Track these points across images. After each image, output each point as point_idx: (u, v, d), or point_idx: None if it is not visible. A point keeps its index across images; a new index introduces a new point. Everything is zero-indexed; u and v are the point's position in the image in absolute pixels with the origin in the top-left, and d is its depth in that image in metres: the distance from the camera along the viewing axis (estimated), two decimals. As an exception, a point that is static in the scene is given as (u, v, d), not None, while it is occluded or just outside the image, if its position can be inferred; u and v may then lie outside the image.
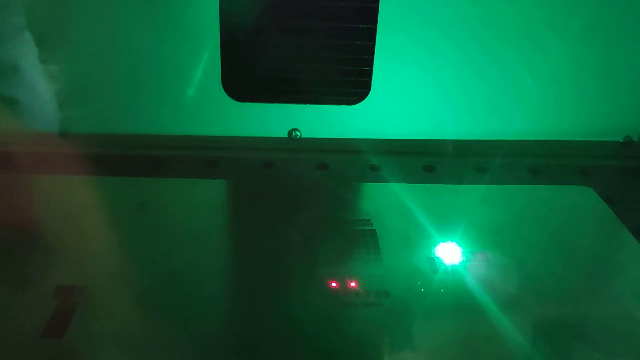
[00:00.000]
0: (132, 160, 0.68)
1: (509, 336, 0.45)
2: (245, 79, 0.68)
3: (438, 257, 0.53)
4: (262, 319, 0.46)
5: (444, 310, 0.47)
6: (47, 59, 0.65)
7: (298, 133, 0.71)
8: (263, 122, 0.70)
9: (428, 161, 0.71)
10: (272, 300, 0.48)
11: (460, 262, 0.53)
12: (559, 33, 0.67)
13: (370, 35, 0.66)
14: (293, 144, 0.71)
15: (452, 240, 0.55)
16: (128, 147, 0.69)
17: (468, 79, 0.69)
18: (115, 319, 0.45)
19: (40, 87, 0.66)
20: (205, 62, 0.66)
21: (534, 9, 0.65)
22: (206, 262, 0.52)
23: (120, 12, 0.63)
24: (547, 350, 0.44)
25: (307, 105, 0.69)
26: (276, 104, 0.69)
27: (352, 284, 0.49)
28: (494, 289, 0.50)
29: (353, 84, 0.68)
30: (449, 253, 0.54)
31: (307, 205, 0.60)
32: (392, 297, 0.48)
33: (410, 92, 0.69)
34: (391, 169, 0.69)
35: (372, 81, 0.68)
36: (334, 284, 0.49)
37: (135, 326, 0.45)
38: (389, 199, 0.61)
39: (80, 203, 0.58)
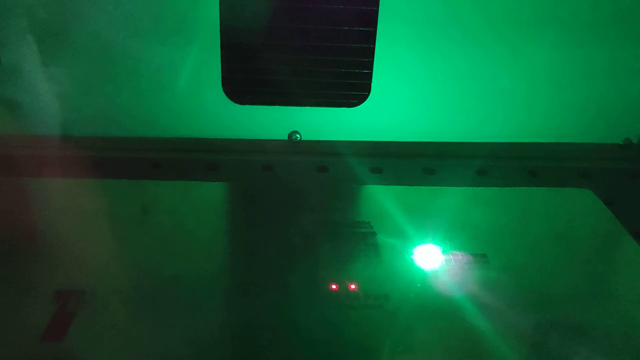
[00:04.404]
0: (132, 162, 0.68)
1: (509, 339, 0.45)
2: (245, 81, 0.68)
3: (438, 260, 0.53)
4: (262, 321, 0.46)
5: (444, 313, 0.47)
6: (48, 62, 0.65)
7: (298, 135, 0.71)
8: (263, 125, 0.70)
9: (428, 163, 0.71)
10: (272, 302, 0.48)
11: (460, 265, 0.52)
12: (559, 35, 0.67)
13: (370, 38, 0.66)
14: (293, 146, 0.71)
15: (452, 243, 0.55)
16: (129, 150, 0.69)
17: (468, 82, 0.69)
18: (115, 323, 0.45)
19: (41, 89, 0.66)
20: (206, 64, 0.66)
21: (534, 11, 0.65)
22: (206, 265, 0.52)
23: (121, 16, 0.63)
24: (547, 353, 0.44)
25: (307, 107, 0.69)
26: (276, 107, 0.69)
27: (352, 287, 0.49)
28: (494, 292, 0.50)
29: (353, 87, 0.69)
30: (449, 256, 0.54)
31: (307, 208, 0.60)
32: (391, 299, 0.48)
33: (410, 94, 0.70)
34: (391, 172, 0.69)
35: (372, 84, 0.68)
36: (333, 287, 0.49)
37: (135, 330, 0.45)
38: (389, 202, 0.61)
39: (81, 206, 0.58)
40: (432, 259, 0.53)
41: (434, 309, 0.48)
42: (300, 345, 0.44)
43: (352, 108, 0.69)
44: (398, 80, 0.68)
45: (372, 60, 0.67)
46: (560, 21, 0.66)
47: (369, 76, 0.68)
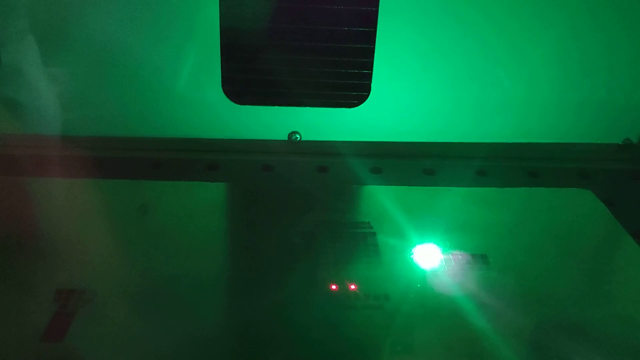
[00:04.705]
0: (132, 163, 0.68)
1: (509, 339, 0.45)
2: (245, 82, 0.68)
3: (438, 260, 0.53)
4: (262, 322, 0.46)
5: (444, 313, 0.47)
6: (48, 62, 0.65)
7: (298, 136, 0.71)
8: (263, 125, 0.70)
9: (428, 164, 0.71)
10: (272, 302, 0.48)
11: (459, 265, 0.53)
12: (559, 35, 0.67)
13: (370, 38, 0.66)
14: (293, 146, 0.71)
15: (451, 243, 0.55)
16: (128, 150, 0.69)
17: (468, 82, 0.69)
18: (116, 323, 0.45)
19: (41, 89, 0.66)
20: (205, 65, 0.66)
21: (534, 11, 0.66)
22: (206, 265, 0.52)
23: (121, 16, 0.63)
24: (547, 353, 0.44)
25: (307, 108, 0.69)
26: (276, 107, 0.69)
27: (352, 287, 0.49)
28: (494, 292, 0.50)
29: (353, 87, 0.69)
30: (449, 256, 0.54)
31: (307, 208, 0.60)
32: (392, 300, 0.48)
33: (410, 94, 0.70)
34: (391, 172, 0.69)
35: (372, 84, 0.68)
36: (333, 287, 0.49)
37: (136, 329, 0.45)
38: (389, 202, 0.61)
39: (81, 206, 0.58)
40: (432, 259, 0.53)
41: (434, 309, 0.48)
42: (300, 345, 0.44)
43: (352, 108, 0.69)
44: (398, 80, 0.68)
45: (372, 61, 0.67)
46: (560, 21, 0.66)
47: (369, 76, 0.68)
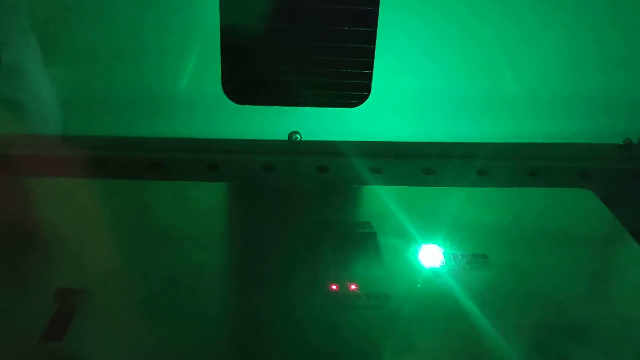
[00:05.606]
0: (132, 162, 0.68)
1: (509, 339, 0.45)
2: (245, 81, 0.68)
3: (438, 260, 0.53)
4: (262, 322, 0.46)
5: (444, 313, 0.47)
6: (49, 62, 0.65)
7: (298, 136, 0.71)
8: (263, 125, 0.70)
9: (428, 164, 0.71)
10: (272, 302, 0.48)
11: (460, 265, 0.52)
12: (558, 36, 0.67)
13: (370, 38, 0.66)
14: (293, 146, 0.71)
15: (452, 243, 0.55)
16: (129, 150, 0.69)
17: (468, 82, 0.69)
18: (116, 322, 0.45)
19: (42, 89, 0.66)
20: (206, 65, 0.66)
21: (534, 13, 0.66)
22: (206, 265, 0.52)
23: (121, 16, 0.63)
24: (547, 354, 0.44)
25: (307, 108, 0.69)
26: (276, 107, 0.69)
27: (353, 287, 0.49)
28: (494, 292, 0.50)
29: (353, 87, 0.69)
30: (449, 256, 0.54)
31: (307, 208, 0.60)
32: (392, 299, 0.48)
33: (410, 94, 0.70)
34: (391, 172, 0.69)
35: (372, 84, 0.68)
36: (334, 287, 0.49)
37: (135, 329, 0.45)
38: (389, 202, 0.61)
39: (81, 206, 0.58)
40: (432, 259, 0.53)
41: (434, 309, 0.48)
42: (300, 345, 0.44)
43: (352, 108, 0.69)
44: (398, 80, 0.68)
45: (372, 61, 0.67)
46: (561, 22, 0.66)
47: (369, 76, 0.68)
